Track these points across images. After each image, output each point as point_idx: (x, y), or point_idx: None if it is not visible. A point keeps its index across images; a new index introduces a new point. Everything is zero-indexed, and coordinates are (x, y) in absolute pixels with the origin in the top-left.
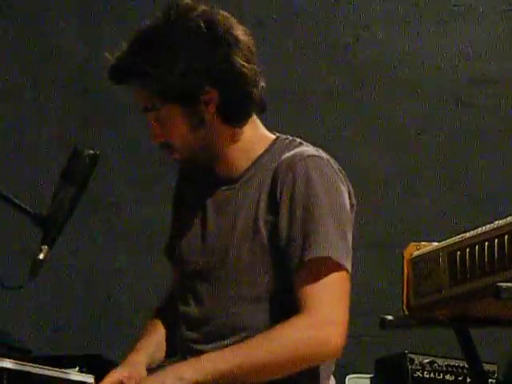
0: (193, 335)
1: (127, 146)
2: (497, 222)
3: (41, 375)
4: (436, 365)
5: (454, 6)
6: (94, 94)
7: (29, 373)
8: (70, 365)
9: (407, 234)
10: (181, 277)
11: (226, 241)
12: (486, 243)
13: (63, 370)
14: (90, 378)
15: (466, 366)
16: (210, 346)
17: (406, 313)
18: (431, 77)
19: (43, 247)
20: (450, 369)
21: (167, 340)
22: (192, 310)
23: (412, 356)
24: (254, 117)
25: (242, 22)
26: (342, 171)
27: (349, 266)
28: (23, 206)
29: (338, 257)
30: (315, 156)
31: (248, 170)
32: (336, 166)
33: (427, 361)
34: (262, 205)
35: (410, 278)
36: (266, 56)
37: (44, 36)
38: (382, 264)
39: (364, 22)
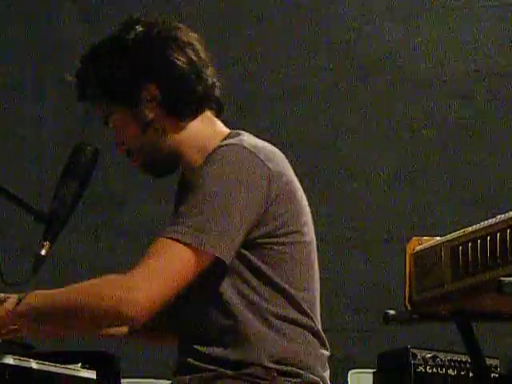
0: None
1: None
2: (499, 217)
3: (43, 371)
4: (438, 359)
5: None
6: None
7: (31, 369)
8: (72, 361)
9: (409, 228)
10: None
11: None
12: (489, 237)
13: (66, 365)
14: (92, 374)
15: (469, 360)
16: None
17: (409, 308)
18: (434, 71)
19: (45, 243)
20: (452, 363)
21: None
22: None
23: (414, 351)
24: (208, 114)
25: (242, 17)
26: (282, 171)
27: (203, 245)
28: (25, 201)
29: (183, 237)
30: (230, 145)
31: (200, 167)
32: (267, 160)
33: (430, 355)
34: None
35: (412, 272)
36: (268, 51)
37: (45, 32)
38: (385, 259)
39: (366, 16)
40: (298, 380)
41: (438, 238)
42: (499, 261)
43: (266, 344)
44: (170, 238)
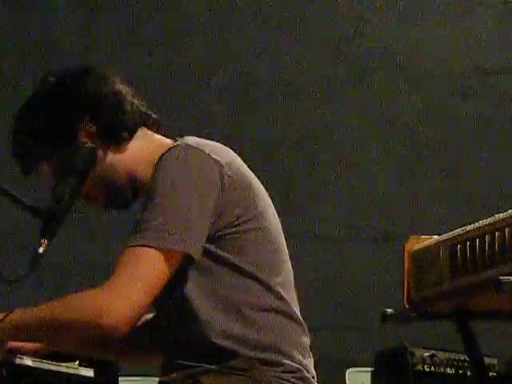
0: None
1: None
2: (497, 216)
3: (40, 369)
4: (436, 358)
5: None
6: None
7: (28, 367)
8: (70, 359)
9: (408, 227)
10: None
11: None
12: (487, 236)
13: (63, 364)
14: (90, 372)
15: (467, 359)
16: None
17: (407, 306)
18: (433, 68)
19: (43, 241)
20: (450, 362)
21: None
22: None
23: (413, 349)
24: (145, 131)
25: (240, 14)
26: (231, 162)
27: (170, 244)
28: (23, 199)
29: (146, 241)
30: (174, 147)
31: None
32: (213, 153)
33: (428, 354)
34: None
35: (410, 271)
36: (267, 48)
37: (43, 26)
38: (383, 258)
39: (366, 13)
40: (280, 369)
41: (436, 236)
42: (497, 259)
43: (243, 339)
44: (136, 245)
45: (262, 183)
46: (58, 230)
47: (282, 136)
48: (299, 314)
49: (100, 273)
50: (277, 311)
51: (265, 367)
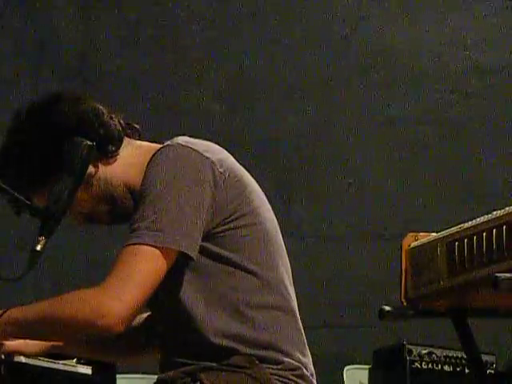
0: None
1: None
2: (495, 213)
3: (38, 367)
4: (434, 355)
5: None
6: (92, 83)
7: (26, 364)
8: (67, 356)
9: (405, 224)
10: None
11: None
12: (484, 234)
13: (60, 361)
14: (87, 370)
15: (464, 356)
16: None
17: (405, 303)
18: (430, 66)
19: (40, 238)
20: (448, 359)
21: None
22: None
23: (410, 347)
24: (130, 140)
25: (238, 13)
26: (222, 159)
27: (166, 243)
28: (20, 197)
29: (142, 240)
30: (164, 148)
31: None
32: (204, 151)
33: (425, 351)
34: None
35: (408, 268)
36: (265, 47)
37: (43, 23)
38: (381, 255)
39: (363, 11)
40: (280, 366)
41: (433, 234)
42: (495, 257)
43: (241, 337)
44: (131, 244)
45: (260, 182)
46: (55, 228)
47: (280, 135)
48: (297, 311)
49: (99, 272)
50: (275, 308)
51: (264, 365)
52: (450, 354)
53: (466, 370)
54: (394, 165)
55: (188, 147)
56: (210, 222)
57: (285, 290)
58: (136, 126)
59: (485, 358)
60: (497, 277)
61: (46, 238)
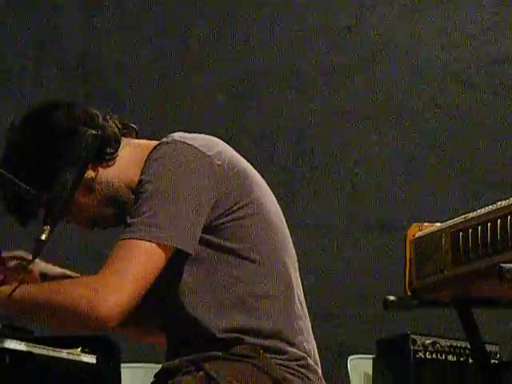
0: None
1: None
2: (499, 203)
3: (43, 356)
4: (438, 345)
5: None
6: (93, 80)
7: (31, 353)
8: (72, 345)
9: (409, 215)
10: None
11: None
12: (489, 224)
13: (66, 350)
14: (92, 359)
15: (469, 346)
16: None
17: (409, 294)
18: (434, 57)
19: (45, 227)
20: (452, 349)
21: None
22: None
23: (414, 337)
24: (128, 140)
25: (240, 3)
26: (221, 151)
27: (161, 239)
28: (24, 186)
29: (138, 235)
30: (160, 145)
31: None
32: (201, 146)
33: (429, 341)
34: None
35: (412, 258)
36: (267, 36)
37: (45, 21)
38: (385, 245)
39: (367, 2)
40: (285, 356)
41: (438, 224)
42: (499, 247)
43: (246, 328)
44: (127, 238)
45: (263, 172)
46: (60, 217)
47: (284, 125)
48: (303, 298)
49: (105, 256)
50: (279, 297)
51: (269, 355)
52: (455, 344)
53: (470, 360)
54: (398, 155)
55: (184, 143)
56: (210, 215)
57: (289, 278)
58: (132, 125)
59: (489, 347)
60: (501, 267)
61: (50, 227)
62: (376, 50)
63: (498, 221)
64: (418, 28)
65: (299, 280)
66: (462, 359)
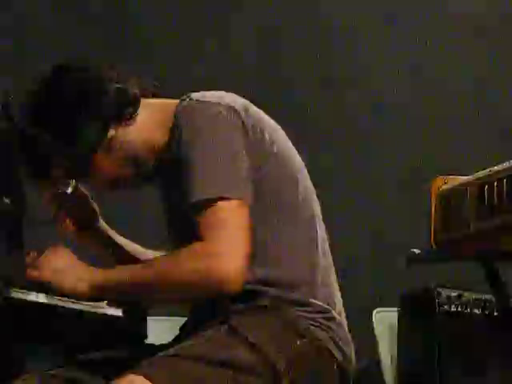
0: None
1: None
2: None
3: (68, 308)
4: (464, 298)
5: None
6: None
7: (56, 306)
8: (98, 298)
9: (435, 168)
10: None
11: None
12: None
13: (91, 303)
14: (118, 312)
15: (494, 299)
16: None
17: (434, 247)
18: (457, 12)
19: (70, 181)
20: (477, 302)
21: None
22: None
23: (439, 289)
24: (148, 100)
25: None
26: (244, 105)
27: (237, 194)
28: (51, 140)
29: (226, 192)
30: (185, 108)
31: (169, 143)
32: (226, 102)
33: (455, 294)
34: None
35: (437, 212)
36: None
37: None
38: (410, 198)
39: None
40: (309, 309)
41: (463, 177)
42: None
43: (270, 280)
44: (203, 203)
45: (286, 132)
46: (86, 170)
47: (308, 80)
48: (328, 249)
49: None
50: (302, 248)
51: (293, 307)
52: (480, 297)
53: (496, 313)
54: (423, 109)
55: (209, 102)
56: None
57: (313, 230)
58: (150, 84)
59: None
60: None
61: (75, 180)
62: (399, 6)
63: None
64: None
65: (324, 231)
66: (487, 312)
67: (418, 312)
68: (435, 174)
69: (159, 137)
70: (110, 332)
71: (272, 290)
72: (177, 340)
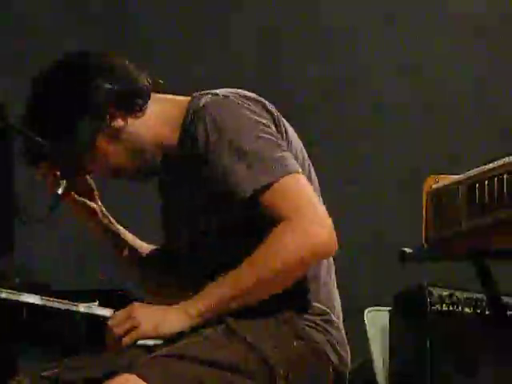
0: None
1: None
2: None
3: (60, 309)
4: (455, 297)
5: None
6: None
7: (48, 307)
8: (89, 299)
9: (426, 167)
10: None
11: None
12: (506, 176)
13: (83, 304)
14: (109, 312)
15: (485, 298)
16: None
17: (426, 246)
18: (458, 9)
19: (61, 182)
20: (469, 301)
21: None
22: None
23: (431, 289)
24: (158, 95)
25: None
26: (261, 100)
27: (295, 168)
28: (42, 142)
29: (283, 171)
30: (217, 99)
31: (184, 137)
32: (245, 98)
33: (446, 293)
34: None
35: (429, 210)
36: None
37: None
38: (401, 197)
39: None
40: (309, 311)
41: (454, 176)
42: None
43: None
44: (278, 178)
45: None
46: (77, 171)
47: (308, 78)
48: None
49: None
50: None
51: (292, 309)
52: (471, 296)
53: (487, 312)
54: (418, 108)
55: (228, 97)
56: None
57: None
58: (159, 80)
59: (505, 299)
60: None
61: (66, 180)
62: (398, 6)
63: None
64: None
65: None
66: (478, 311)
67: (409, 311)
68: (427, 173)
69: (168, 133)
70: (102, 332)
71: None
72: (171, 340)
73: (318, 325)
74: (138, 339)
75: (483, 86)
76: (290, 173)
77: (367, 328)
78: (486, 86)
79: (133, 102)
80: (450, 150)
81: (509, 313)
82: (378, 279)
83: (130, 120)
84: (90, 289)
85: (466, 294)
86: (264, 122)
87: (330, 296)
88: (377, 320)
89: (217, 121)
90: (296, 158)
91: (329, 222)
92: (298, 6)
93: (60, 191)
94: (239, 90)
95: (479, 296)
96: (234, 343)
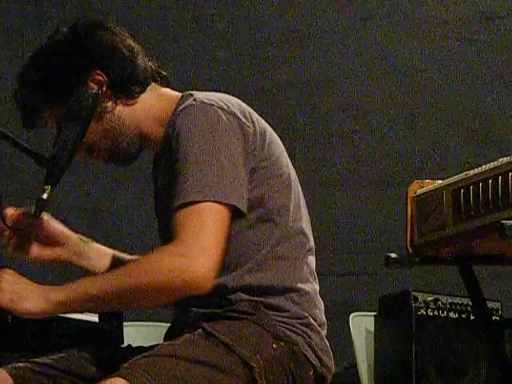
0: None
1: None
2: (501, 160)
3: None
4: (440, 302)
5: None
6: None
7: None
8: None
9: (411, 172)
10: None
11: None
12: (490, 181)
13: None
14: (94, 317)
15: (470, 303)
16: None
17: (410, 251)
18: (435, 13)
19: (46, 187)
20: (453, 306)
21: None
22: None
23: (416, 294)
24: (154, 86)
25: None
26: (244, 111)
27: (229, 199)
28: (26, 146)
29: (214, 196)
30: (188, 108)
31: (166, 136)
32: (228, 107)
33: (431, 298)
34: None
35: (413, 215)
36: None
37: None
38: (386, 202)
39: None
40: (286, 314)
41: (439, 181)
42: (501, 204)
43: (247, 286)
44: (187, 203)
45: None
46: (61, 176)
47: (286, 81)
48: (313, 261)
49: (102, 216)
50: (290, 258)
51: (270, 311)
52: (456, 301)
53: (472, 317)
54: (399, 111)
55: (212, 105)
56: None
57: (303, 241)
58: (164, 73)
59: (490, 304)
60: (503, 224)
61: (51, 186)
62: (378, 5)
63: (499, 178)
64: None
65: (312, 242)
66: (463, 316)
67: (394, 316)
68: (411, 177)
69: (153, 127)
70: (87, 337)
71: (250, 296)
72: (155, 345)
73: (296, 328)
74: None
75: (465, 89)
76: (219, 202)
77: (352, 332)
78: (467, 89)
79: (127, 87)
80: (431, 155)
81: (493, 318)
82: (363, 284)
83: (118, 103)
84: None
85: (450, 299)
86: (232, 142)
87: (310, 304)
88: (362, 325)
89: (188, 127)
90: (279, 165)
91: (214, 264)
92: (274, 8)
93: (45, 197)
94: (224, 97)
95: (464, 301)
96: (213, 345)
